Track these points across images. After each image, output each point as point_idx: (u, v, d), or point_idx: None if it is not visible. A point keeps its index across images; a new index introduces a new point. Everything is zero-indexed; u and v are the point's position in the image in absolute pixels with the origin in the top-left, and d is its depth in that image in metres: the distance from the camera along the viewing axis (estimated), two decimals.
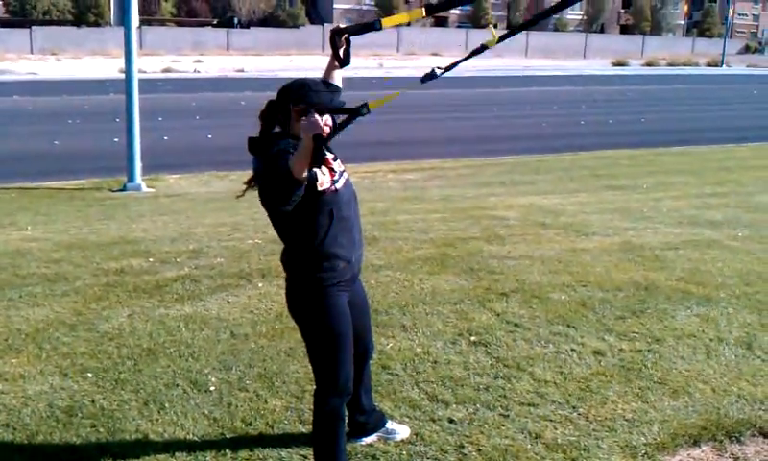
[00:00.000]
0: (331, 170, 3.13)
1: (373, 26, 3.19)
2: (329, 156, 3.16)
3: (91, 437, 3.69)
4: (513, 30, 3.11)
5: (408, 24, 66.44)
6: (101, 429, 3.75)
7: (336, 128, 2.84)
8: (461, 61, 3.00)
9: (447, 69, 2.99)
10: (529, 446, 3.67)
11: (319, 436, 3.24)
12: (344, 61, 3.38)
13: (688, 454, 3.71)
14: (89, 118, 20.13)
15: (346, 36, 3.33)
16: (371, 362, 3.72)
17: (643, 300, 5.77)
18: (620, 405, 4.09)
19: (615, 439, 3.76)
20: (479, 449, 3.62)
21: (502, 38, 3.03)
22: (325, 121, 2.77)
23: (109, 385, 4.23)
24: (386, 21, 3.17)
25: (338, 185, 3.13)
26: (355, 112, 2.79)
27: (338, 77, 3.44)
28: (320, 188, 3.03)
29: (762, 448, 3.80)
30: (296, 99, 3.05)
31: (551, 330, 5.11)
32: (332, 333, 3.16)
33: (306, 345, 3.25)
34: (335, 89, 3.20)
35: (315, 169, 2.96)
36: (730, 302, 5.80)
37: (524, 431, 3.79)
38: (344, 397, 3.22)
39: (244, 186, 3.25)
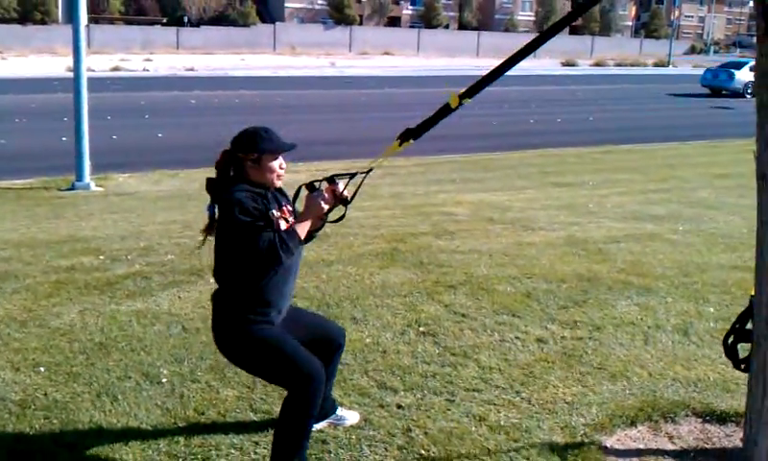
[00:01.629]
0: (287, 221, 3.29)
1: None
2: (286, 206, 3.37)
3: (45, 428, 3.73)
4: (479, 84, 3.33)
5: (331, 18, 66.53)
6: (54, 421, 3.79)
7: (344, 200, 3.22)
8: (432, 124, 3.35)
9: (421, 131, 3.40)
10: (473, 428, 3.81)
11: (289, 425, 3.28)
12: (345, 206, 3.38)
13: (625, 434, 3.89)
14: (37, 117, 19.80)
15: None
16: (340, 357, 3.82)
17: (585, 290, 5.98)
18: (561, 389, 4.27)
19: (556, 421, 3.92)
20: (426, 432, 3.75)
21: (463, 97, 3.26)
22: (328, 199, 3.17)
23: (62, 378, 4.26)
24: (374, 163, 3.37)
25: None
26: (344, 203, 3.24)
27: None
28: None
29: (695, 428, 4.00)
30: (248, 148, 3.24)
31: (497, 320, 5.28)
32: (272, 351, 3.28)
33: (255, 374, 3.47)
34: (288, 144, 3.37)
35: (275, 214, 3.22)
36: (668, 291, 6.04)
37: (469, 415, 3.94)
38: (319, 385, 3.26)
39: (202, 236, 3.44)
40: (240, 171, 3.26)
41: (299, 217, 3.25)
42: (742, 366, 3.47)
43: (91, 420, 3.82)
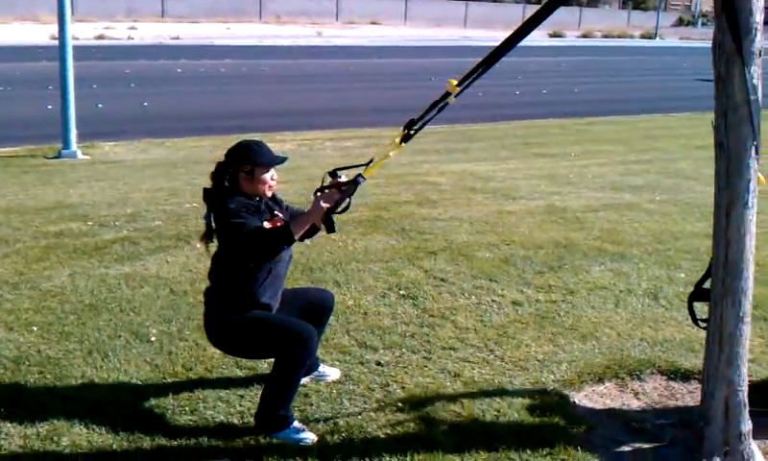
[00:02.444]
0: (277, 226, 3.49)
1: (357, 183, 3.44)
2: (278, 215, 3.59)
3: (39, 382, 3.90)
4: (471, 73, 3.47)
5: None
6: (48, 376, 3.97)
7: (336, 205, 3.34)
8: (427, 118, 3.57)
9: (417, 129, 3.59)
10: (448, 383, 4.01)
11: (279, 379, 3.46)
12: (330, 229, 3.43)
13: (593, 390, 4.10)
14: (21, 85, 19.73)
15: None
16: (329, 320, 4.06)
17: (561, 256, 6.18)
18: (533, 348, 4.47)
19: (527, 377, 4.13)
20: (403, 387, 3.95)
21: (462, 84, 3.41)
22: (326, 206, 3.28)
23: (54, 337, 4.43)
24: (367, 172, 3.46)
25: None
26: (356, 185, 3.37)
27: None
28: None
29: (659, 384, 4.22)
30: (241, 160, 3.46)
31: (474, 284, 5.48)
32: (260, 326, 3.49)
33: (253, 357, 3.73)
34: (279, 157, 3.63)
35: (267, 225, 3.42)
36: (641, 258, 6.25)
37: (444, 371, 4.14)
38: (309, 343, 3.45)
39: (202, 242, 3.58)
40: (234, 182, 3.48)
41: (300, 217, 3.41)
42: (701, 324, 3.67)
43: (83, 375, 4.00)
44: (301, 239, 3.47)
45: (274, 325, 3.51)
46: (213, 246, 3.54)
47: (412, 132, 3.57)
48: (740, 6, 2.97)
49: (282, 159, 3.60)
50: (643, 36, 61.44)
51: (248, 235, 3.24)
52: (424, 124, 3.53)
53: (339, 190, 3.40)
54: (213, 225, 3.47)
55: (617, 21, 74.46)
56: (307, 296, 3.95)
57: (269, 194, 3.56)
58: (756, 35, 3.02)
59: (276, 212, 3.59)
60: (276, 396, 3.49)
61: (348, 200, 3.43)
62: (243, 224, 3.27)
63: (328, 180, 3.49)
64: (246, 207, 3.38)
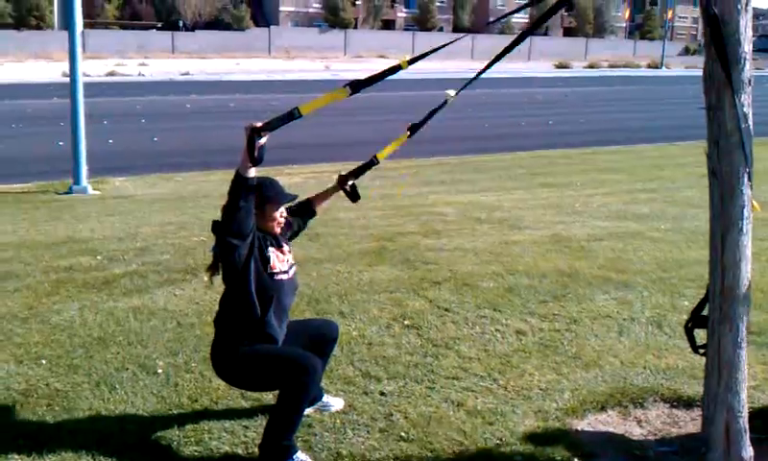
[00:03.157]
0: (280, 261, 3.59)
1: (292, 116, 3.27)
2: (284, 247, 3.67)
3: (47, 415, 3.96)
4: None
5: (326, 22, 66.58)
6: (56, 408, 4.02)
7: (273, 127, 3.23)
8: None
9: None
10: (451, 412, 4.04)
11: (286, 408, 3.49)
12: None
13: (596, 418, 4.12)
14: (33, 122, 20.02)
15: (351, 182, 3.92)
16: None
17: (565, 285, 6.21)
18: (536, 377, 4.50)
19: (530, 405, 4.16)
20: (406, 417, 3.98)
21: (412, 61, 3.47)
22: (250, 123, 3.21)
23: (63, 370, 4.49)
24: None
25: (285, 276, 3.61)
26: (290, 117, 3.26)
27: (322, 208, 4.13)
28: (270, 271, 3.52)
29: (663, 412, 4.23)
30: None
31: (478, 314, 5.52)
32: (265, 359, 3.55)
33: (258, 390, 3.76)
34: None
35: (270, 252, 3.51)
36: (646, 286, 6.28)
37: (448, 400, 4.17)
38: (312, 374, 3.48)
39: (208, 274, 3.66)
40: None
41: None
42: (700, 351, 3.70)
43: (91, 407, 4.05)
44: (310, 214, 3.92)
45: (280, 356, 3.56)
46: (218, 279, 3.60)
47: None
48: (728, 36, 3.04)
49: (293, 197, 3.70)
50: (649, 66, 61.73)
51: (223, 216, 3.32)
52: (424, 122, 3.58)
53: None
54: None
55: (623, 51, 74.93)
56: (312, 327, 4.01)
57: (277, 230, 3.64)
58: (744, 64, 3.09)
59: (282, 244, 3.65)
60: (281, 426, 3.53)
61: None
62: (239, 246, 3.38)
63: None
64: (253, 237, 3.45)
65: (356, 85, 3.39)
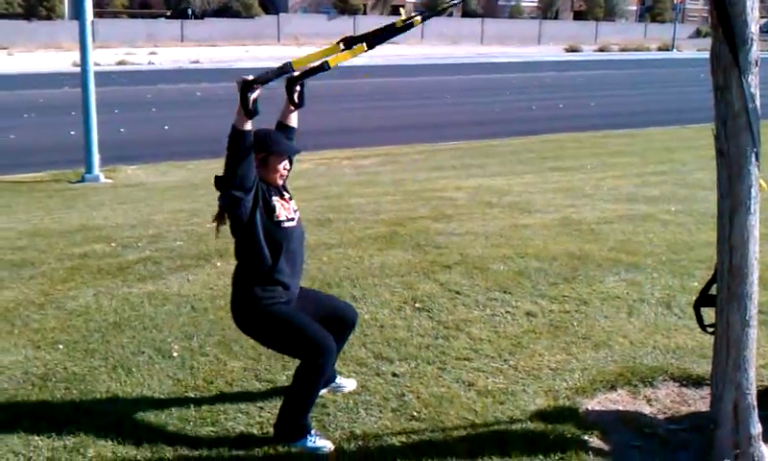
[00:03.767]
0: (286, 210, 3.63)
1: (323, 67, 3.50)
2: (287, 196, 3.72)
3: (66, 397, 4.04)
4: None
5: (335, 8, 66.44)
6: (74, 391, 4.10)
7: (264, 80, 3.34)
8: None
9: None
10: (462, 393, 4.10)
11: (300, 389, 3.57)
12: (299, 105, 3.80)
13: (605, 397, 4.17)
14: (45, 112, 20.13)
15: (300, 81, 3.75)
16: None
17: (575, 268, 6.25)
18: (546, 357, 4.55)
19: (540, 385, 4.21)
20: (418, 397, 4.04)
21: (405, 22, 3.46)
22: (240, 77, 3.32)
23: (80, 355, 4.57)
24: (332, 60, 3.48)
25: (291, 224, 3.64)
26: (282, 71, 3.41)
27: (294, 118, 3.91)
28: (277, 219, 3.56)
29: (672, 391, 4.27)
30: (259, 147, 3.54)
31: (489, 296, 5.56)
32: (285, 323, 3.60)
33: (269, 347, 3.76)
34: (291, 136, 3.82)
35: (275, 202, 3.56)
36: (655, 268, 6.30)
37: (459, 381, 4.23)
38: (328, 356, 3.56)
39: (215, 224, 3.71)
40: None
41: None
42: (709, 330, 3.74)
43: (108, 390, 4.13)
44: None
45: (300, 330, 3.59)
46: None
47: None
48: (735, 17, 3.06)
49: (297, 150, 3.74)
50: (660, 49, 61.30)
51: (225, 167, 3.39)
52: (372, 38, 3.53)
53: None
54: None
55: (634, 34, 74.36)
56: (333, 305, 4.00)
57: (280, 183, 3.66)
58: (751, 45, 3.10)
59: (284, 194, 3.69)
60: (296, 406, 3.60)
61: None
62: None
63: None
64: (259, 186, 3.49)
65: (349, 41, 3.50)
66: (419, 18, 3.58)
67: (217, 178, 3.51)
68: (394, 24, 3.53)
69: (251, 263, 3.60)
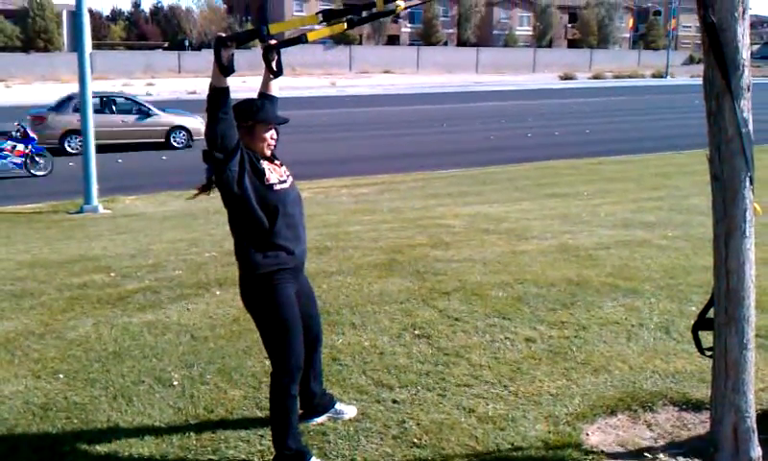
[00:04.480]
0: (277, 171, 3.62)
1: (300, 40, 3.60)
2: (277, 161, 3.69)
3: (66, 427, 4.04)
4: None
5: (331, 38, 67.03)
6: (75, 421, 4.10)
7: (237, 39, 3.38)
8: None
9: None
10: (463, 419, 4.10)
11: (274, 413, 3.64)
12: (277, 73, 3.79)
13: (606, 422, 4.17)
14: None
15: (277, 48, 3.76)
16: (321, 351, 4.14)
17: (574, 293, 6.27)
18: (546, 383, 4.55)
19: (540, 411, 4.21)
20: (418, 423, 4.05)
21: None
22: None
23: (80, 384, 4.57)
24: (311, 35, 3.61)
25: (284, 185, 3.61)
26: (255, 33, 3.47)
27: (275, 87, 3.92)
28: (267, 183, 3.52)
29: (672, 416, 4.27)
30: (243, 116, 3.55)
31: (488, 323, 5.57)
32: (282, 321, 3.58)
33: (260, 331, 3.68)
34: (274, 99, 3.81)
35: (264, 166, 3.52)
36: (653, 293, 6.32)
37: (459, 407, 4.23)
38: (295, 377, 3.63)
39: (196, 191, 3.67)
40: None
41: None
42: (707, 353, 3.75)
43: (108, 419, 4.13)
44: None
45: (285, 330, 3.59)
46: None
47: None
48: (726, 44, 3.11)
49: (284, 120, 3.69)
50: (654, 76, 61.81)
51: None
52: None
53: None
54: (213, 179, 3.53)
55: (628, 61, 75.02)
56: (310, 314, 3.94)
57: (267, 153, 3.62)
58: (743, 70, 3.16)
59: (274, 161, 3.66)
60: (278, 432, 3.63)
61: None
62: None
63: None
64: (246, 153, 3.46)
65: (329, 15, 3.60)
66: (402, 4, 3.61)
67: (204, 151, 3.50)
68: (374, 3, 3.56)
69: (248, 232, 3.53)
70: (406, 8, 3.79)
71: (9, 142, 15.89)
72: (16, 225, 10.64)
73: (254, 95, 3.86)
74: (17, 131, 16.00)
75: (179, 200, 12.80)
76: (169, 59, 59.27)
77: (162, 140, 20.13)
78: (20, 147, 15.89)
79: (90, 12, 13.36)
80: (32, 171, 16.01)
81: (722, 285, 3.43)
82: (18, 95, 38.17)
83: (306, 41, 3.60)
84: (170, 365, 4.84)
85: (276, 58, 3.73)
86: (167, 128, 20.40)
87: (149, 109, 20.48)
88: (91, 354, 5.04)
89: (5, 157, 15.78)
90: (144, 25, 76.62)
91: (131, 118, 19.62)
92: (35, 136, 16.28)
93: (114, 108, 19.93)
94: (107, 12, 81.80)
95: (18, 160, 15.90)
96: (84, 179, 11.87)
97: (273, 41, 3.67)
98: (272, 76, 3.82)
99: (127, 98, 20.96)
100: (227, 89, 3.36)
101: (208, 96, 3.34)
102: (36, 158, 16.16)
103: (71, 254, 8.25)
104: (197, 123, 20.39)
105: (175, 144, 20.23)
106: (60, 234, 9.74)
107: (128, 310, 6.01)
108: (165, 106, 22.46)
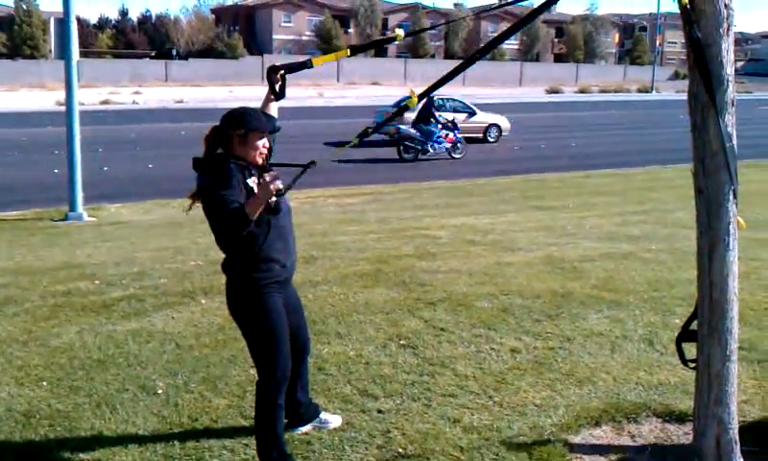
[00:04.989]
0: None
1: (305, 65, 3.79)
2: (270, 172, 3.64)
3: (50, 435, 4.01)
4: (433, 86, 3.76)
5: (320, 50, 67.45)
6: (58, 428, 4.08)
7: (290, 186, 3.40)
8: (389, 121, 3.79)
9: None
10: (448, 429, 4.11)
11: (260, 422, 3.64)
12: (279, 95, 3.89)
13: (590, 433, 4.19)
14: (28, 150, 20.12)
15: (282, 72, 3.85)
16: (308, 361, 4.14)
17: (559, 305, 6.30)
18: (531, 394, 4.57)
19: (525, 422, 4.22)
20: (403, 434, 4.05)
21: (422, 96, 3.74)
22: (275, 185, 3.26)
23: (64, 392, 4.54)
24: (316, 60, 3.77)
25: (275, 199, 3.56)
26: (305, 167, 3.54)
27: (274, 108, 3.96)
28: None
29: (655, 427, 4.30)
30: (236, 125, 3.54)
31: (473, 333, 5.59)
32: (269, 330, 3.58)
33: (247, 341, 3.67)
34: (271, 117, 3.79)
35: (251, 182, 3.50)
36: (637, 305, 6.36)
37: (444, 417, 4.24)
38: (281, 386, 3.63)
39: (190, 201, 3.65)
40: (226, 147, 3.56)
41: (252, 199, 3.41)
42: (690, 364, 3.78)
43: (92, 427, 4.10)
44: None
45: (272, 339, 3.59)
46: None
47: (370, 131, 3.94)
48: (711, 60, 3.15)
49: (276, 127, 3.68)
50: (640, 90, 62.20)
51: (220, 216, 3.32)
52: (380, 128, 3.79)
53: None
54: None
55: (614, 76, 75.45)
56: (298, 324, 3.94)
57: (259, 161, 3.61)
58: (727, 86, 3.20)
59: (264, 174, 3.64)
60: (262, 441, 3.64)
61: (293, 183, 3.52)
62: (226, 199, 3.33)
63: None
64: (239, 169, 3.44)
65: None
66: (401, 33, 3.86)
67: (195, 159, 3.53)
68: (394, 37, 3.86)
69: (242, 248, 3.52)
70: (406, 36, 3.96)
71: (443, 131, 19.95)
72: (0, 232, 10.57)
73: (240, 103, 3.88)
74: (448, 122, 20.22)
75: (164, 208, 12.76)
76: (156, 68, 59.07)
77: (480, 135, 24.23)
78: (450, 135, 20.09)
79: (77, 19, 13.31)
80: (453, 155, 20.29)
81: (705, 297, 3.46)
82: (5, 102, 37.93)
83: (311, 66, 3.76)
84: (154, 373, 4.82)
85: (281, 82, 3.82)
86: (485, 125, 24.62)
87: (473, 109, 24.50)
88: (75, 362, 5.01)
89: (440, 143, 19.95)
90: (131, 33, 76.37)
91: (462, 116, 23.54)
92: (458, 126, 20.59)
93: (450, 107, 24.02)
94: (94, 21, 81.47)
95: (448, 146, 20.16)
96: (70, 186, 11.79)
97: (278, 64, 3.78)
98: (273, 98, 3.90)
99: (459, 100, 25.08)
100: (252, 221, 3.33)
101: (238, 218, 3.27)
102: (458, 145, 20.38)
103: (55, 261, 8.20)
104: (506, 121, 24.87)
105: (489, 139, 24.48)
106: (45, 242, 9.68)
107: (112, 318, 5.98)
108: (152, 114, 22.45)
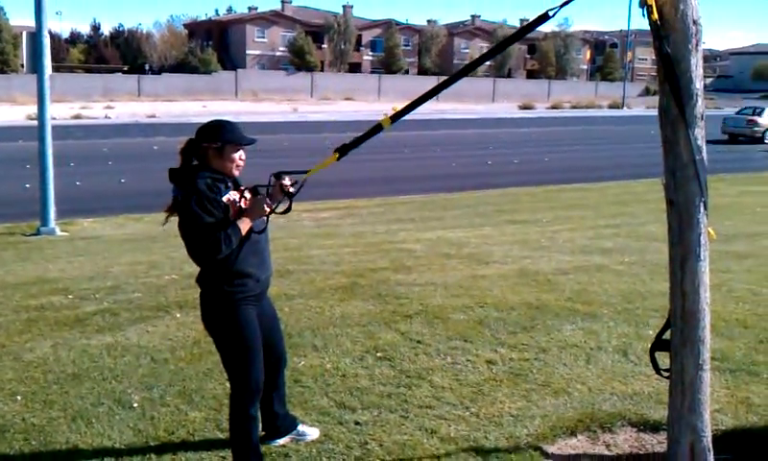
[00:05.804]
0: (245, 199, 3.58)
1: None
2: (242, 186, 3.64)
3: (24, 449, 3.98)
4: (409, 105, 3.75)
5: (293, 65, 67.36)
6: (33, 442, 4.04)
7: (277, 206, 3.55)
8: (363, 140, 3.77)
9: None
10: (425, 440, 4.13)
11: (234, 435, 3.63)
12: (285, 211, 3.78)
13: (566, 443, 4.23)
14: None
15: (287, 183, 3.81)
16: (285, 373, 4.14)
17: (534, 317, 6.35)
18: (507, 404, 4.61)
19: (502, 432, 4.26)
20: (381, 445, 4.06)
21: (395, 119, 3.70)
22: (269, 203, 3.45)
23: (38, 406, 4.50)
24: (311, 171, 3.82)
25: None
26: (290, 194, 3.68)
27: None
28: (233, 218, 3.52)
29: (630, 436, 4.35)
30: (212, 137, 3.53)
31: (450, 345, 5.62)
32: (242, 343, 3.59)
33: (220, 353, 3.68)
34: (250, 138, 3.73)
35: (233, 197, 3.53)
36: (611, 317, 6.44)
37: (422, 429, 4.26)
38: (254, 399, 3.63)
39: (165, 214, 3.64)
40: (202, 159, 3.55)
41: (243, 214, 3.51)
42: (664, 374, 3.84)
43: (68, 441, 4.07)
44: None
45: (246, 352, 3.61)
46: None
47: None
48: (681, 75, 3.23)
49: (252, 141, 3.67)
50: (611, 106, 62.98)
51: (200, 229, 3.38)
52: (356, 145, 3.73)
53: (280, 190, 3.69)
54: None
55: (585, 92, 76.32)
56: (272, 337, 3.94)
57: (236, 173, 3.61)
58: (697, 99, 3.27)
59: (240, 185, 3.64)
60: (238, 455, 3.65)
61: (289, 202, 3.70)
62: (202, 217, 3.38)
63: (273, 180, 3.73)
64: (214, 185, 3.45)
65: (343, 149, 3.86)
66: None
67: (171, 170, 3.53)
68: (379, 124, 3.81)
69: (216, 263, 3.50)
70: (393, 121, 3.89)
71: None
72: None
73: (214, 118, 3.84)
74: None
75: (137, 223, 12.66)
76: (128, 82, 58.71)
77: (759, 136, 26.86)
78: None
79: (50, 33, 13.23)
80: None
81: (678, 307, 3.52)
82: None
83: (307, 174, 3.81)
84: (130, 387, 4.80)
85: (289, 203, 3.78)
86: (764, 129, 27.01)
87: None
88: (49, 376, 4.97)
89: None
90: (104, 48, 75.93)
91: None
92: None
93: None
94: (66, 35, 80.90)
95: None
96: (42, 201, 11.67)
97: (286, 181, 3.74)
98: (273, 210, 3.70)
99: None
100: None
101: (238, 234, 3.44)
102: None
103: (28, 276, 8.11)
104: None
105: (766, 142, 26.90)
106: (16, 256, 9.57)
107: (86, 332, 5.93)
108: (124, 129, 22.22)
